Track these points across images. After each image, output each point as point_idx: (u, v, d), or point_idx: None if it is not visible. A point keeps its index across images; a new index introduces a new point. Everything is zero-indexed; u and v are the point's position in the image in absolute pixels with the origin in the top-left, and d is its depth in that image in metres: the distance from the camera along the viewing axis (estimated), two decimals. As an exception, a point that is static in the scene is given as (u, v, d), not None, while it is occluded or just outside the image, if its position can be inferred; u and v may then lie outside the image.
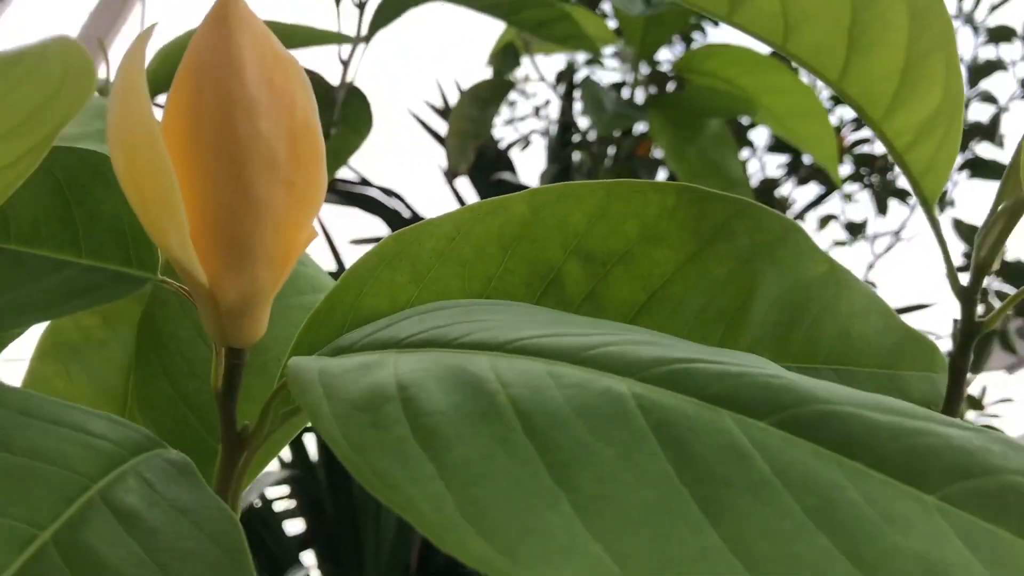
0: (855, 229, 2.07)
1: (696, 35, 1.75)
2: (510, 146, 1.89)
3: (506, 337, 0.28)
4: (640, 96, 1.42)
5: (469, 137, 1.36)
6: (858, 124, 2.07)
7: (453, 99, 2.07)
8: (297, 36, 0.94)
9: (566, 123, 1.78)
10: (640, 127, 1.54)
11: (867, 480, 0.21)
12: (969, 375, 0.41)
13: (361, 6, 0.97)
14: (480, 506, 0.21)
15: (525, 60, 1.58)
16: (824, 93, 1.77)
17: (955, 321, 0.44)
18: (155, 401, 0.41)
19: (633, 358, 0.25)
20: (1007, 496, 0.20)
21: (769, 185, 1.90)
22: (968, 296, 0.43)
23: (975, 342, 0.43)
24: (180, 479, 0.28)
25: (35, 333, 0.49)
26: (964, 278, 0.43)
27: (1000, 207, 0.42)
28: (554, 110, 1.83)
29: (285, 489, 1.61)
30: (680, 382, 0.24)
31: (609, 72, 1.56)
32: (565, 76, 1.80)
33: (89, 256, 0.35)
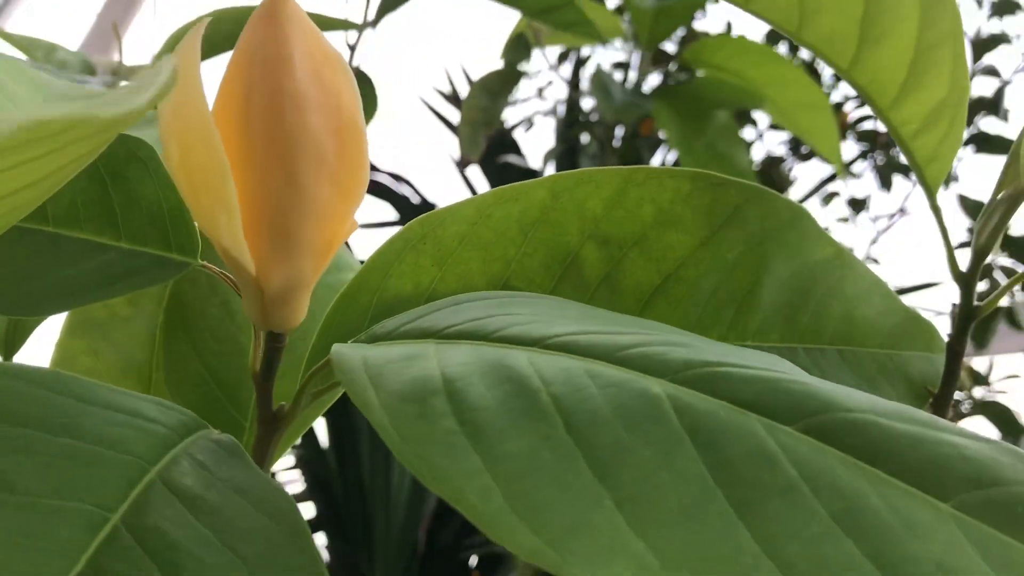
0: (857, 205, 2.08)
1: (697, 14, 1.75)
2: (514, 127, 1.89)
3: (542, 333, 0.29)
4: (646, 83, 1.43)
5: (480, 126, 1.38)
6: (862, 101, 2.08)
7: (460, 84, 2.07)
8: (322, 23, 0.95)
9: (572, 104, 1.79)
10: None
11: (888, 487, 0.22)
12: (974, 354, 0.43)
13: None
14: (527, 500, 0.22)
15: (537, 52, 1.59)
16: (827, 71, 1.78)
17: (953, 305, 0.45)
18: (184, 378, 0.42)
19: (667, 359, 0.26)
20: (1016, 506, 0.21)
21: (771, 162, 1.91)
22: (967, 281, 0.44)
23: (976, 323, 0.44)
24: (230, 459, 0.29)
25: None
26: (965, 262, 0.44)
27: (1000, 195, 0.43)
28: (557, 91, 1.83)
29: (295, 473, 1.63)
30: (711, 385, 0.25)
31: (613, 52, 1.57)
32: (566, 57, 1.80)
33: (128, 240, 0.36)
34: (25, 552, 0.22)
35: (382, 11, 0.99)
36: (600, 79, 1.34)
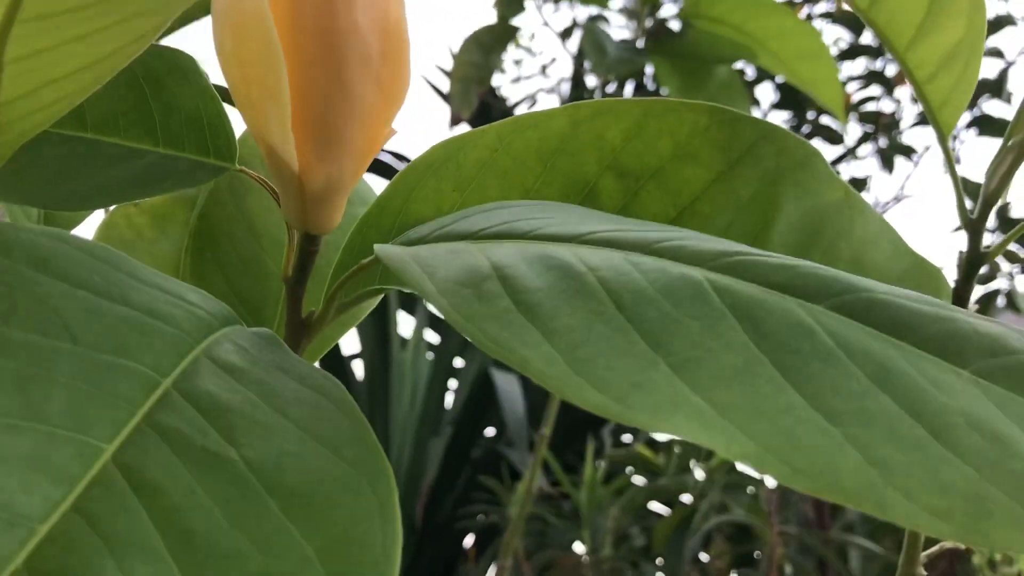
0: (858, 185, 2.10)
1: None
2: (516, 104, 1.90)
3: (577, 231, 0.30)
4: (643, 43, 1.43)
5: (472, 82, 1.38)
6: (865, 82, 2.09)
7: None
8: None
9: (576, 81, 1.80)
10: (650, 78, 1.55)
11: (913, 355, 0.24)
12: None
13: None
14: (588, 364, 0.24)
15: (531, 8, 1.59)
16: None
17: (960, 252, 0.47)
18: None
19: (701, 250, 0.28)
20: None
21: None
22: (975, 226, 0.46)
23: (975, 309, 0.45)
24: (270, 346, 0.30)
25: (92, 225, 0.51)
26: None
27: (1010, 143, 0.44)
28: (561, 69, 1.85)
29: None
30: (744, 271, 0.27)
31: (616, 29, 1.57)
32: (570, 34, 1.81)
33: (167, 146, 0.37)
34: (87, 398, 0.23)
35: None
36: (593, 34, 1.33)
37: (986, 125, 2.03)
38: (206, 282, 0.44)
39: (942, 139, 0.46)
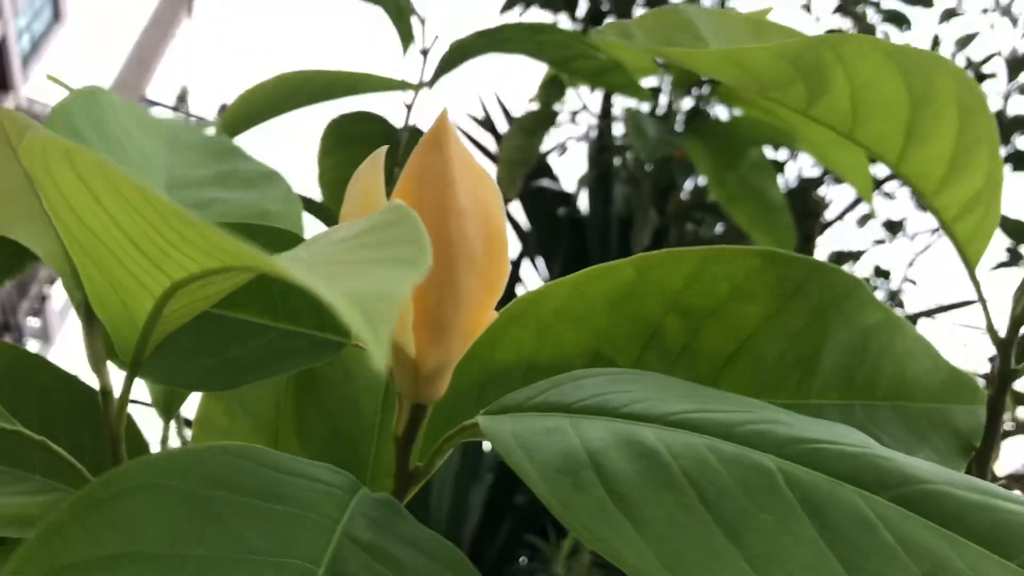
0: (894, 227, 2.11)
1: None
2: (547, 153, 1.95)
3: (662, 411, 0.34)
4: (679, 120, 1.48)
5: (517, 165, 1.44)
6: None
7: (494, 111, 2.13)
8: (368, 84, 1.01)
9: (604, 129, 1.84)
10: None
11: (963, 548, 0.27)
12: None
13: (425, 53, 1.03)
14: (676, 559, 0.27)
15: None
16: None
17: (992, 367, 0.51)
18: (312, 436, 0.48)
19: (775, 436, 0.31)
20: None
21: (806, 185, 1.94)
22: (1005, 346, 0.50)
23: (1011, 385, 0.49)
24: (393, 516, 0.34)
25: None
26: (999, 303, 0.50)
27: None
28: (589, 116, 1.89)
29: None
30: (813, 459, 0.30)
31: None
32: (609, 115, 1.85)
33: (287, 321, 0.41)
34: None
35: (439, 73, 1.04)
36: (635, 119, 1.39)
37: (1020, 161, 2.05)
38: (308, 422, 0.48)
39: (970, 270, 0.50)
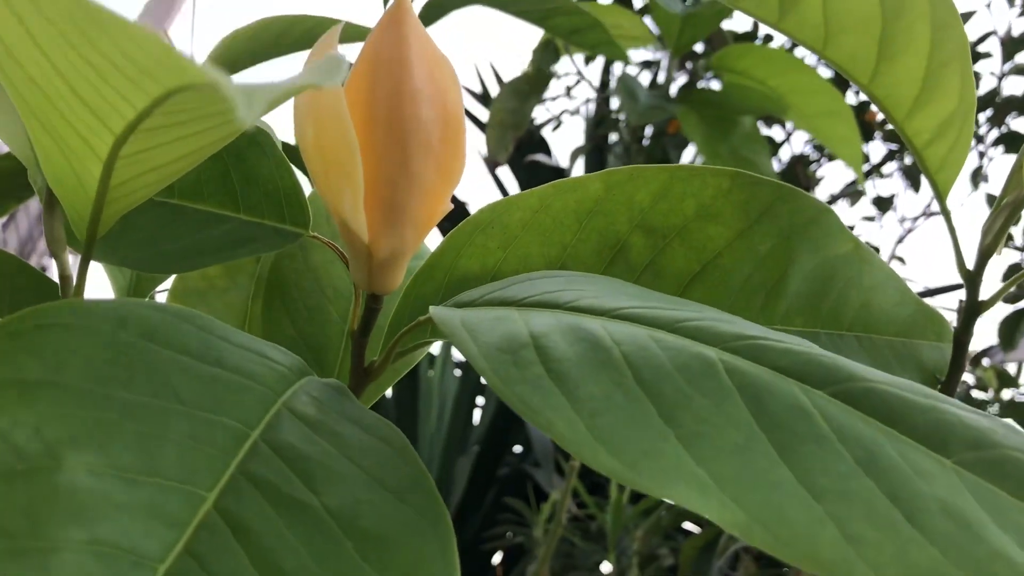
0: (883, 204, 2.11)
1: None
2: (542, 126, 1.94)
3: (610, 305, 0.34)
4: (674, 88, 1.48)
5: (508, 128, 1.44)
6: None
7: (490, 82, 2.12)
8: (346, 33, 0.99)
9: (600, 103, 1.84)
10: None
11: (901, 443, 0.27)
12: (1004, 359, 0.48)
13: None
14: (606, 431, 0.27)
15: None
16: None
17: (960, 301, 0.51)
18: (279, 341, 0.48)
19: (718, 331, 0.32)
20: (1006, 466, 0.26)
21: (797, 161, 1.95)
22: (972, 278, 0.50)
23: (1004, 324, 0.49)
24: (339, 397, 0.34)
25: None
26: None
27: (1005, 200, 0.48)
28: (585, 90, 1.89)
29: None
30: (756, 354, 0.30)
31: (640, 51, 1.61)
32: (593, 58, 1.85)
33: (247, 213, 0.41)
34: (192, 452, 0.27)
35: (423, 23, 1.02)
36: (626, 83, 1.38)
37: (1012, 142, 2.05)
38: (275, 328, 0.48)
39: (940, 199, 0.50)
